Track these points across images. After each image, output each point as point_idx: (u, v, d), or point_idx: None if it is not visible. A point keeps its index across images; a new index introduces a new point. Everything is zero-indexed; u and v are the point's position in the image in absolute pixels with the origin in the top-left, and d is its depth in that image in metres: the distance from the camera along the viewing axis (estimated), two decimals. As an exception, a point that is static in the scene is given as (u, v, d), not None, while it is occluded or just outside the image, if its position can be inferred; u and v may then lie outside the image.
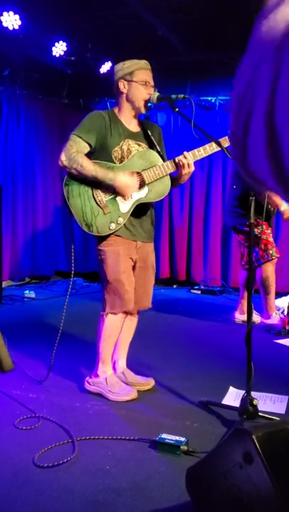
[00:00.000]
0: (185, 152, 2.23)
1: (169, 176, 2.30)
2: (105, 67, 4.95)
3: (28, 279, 5.51)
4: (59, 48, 4.49)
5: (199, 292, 5.10)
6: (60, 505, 1.50)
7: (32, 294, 4.69)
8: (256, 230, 3.40)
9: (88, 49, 4.68)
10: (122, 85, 2.27)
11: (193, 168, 2.24)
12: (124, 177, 2.19)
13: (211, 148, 2.21)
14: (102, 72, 4.94)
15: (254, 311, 3.52)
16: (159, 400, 2.31)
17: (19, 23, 3.89)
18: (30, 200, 5.41)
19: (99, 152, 2.23)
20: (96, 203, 2.21)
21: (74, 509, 1.49)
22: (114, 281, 2.26)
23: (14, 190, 5.21)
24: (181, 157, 2.22)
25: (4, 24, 3.89)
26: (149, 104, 2.33)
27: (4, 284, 4.88)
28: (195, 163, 2.27)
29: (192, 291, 5.15)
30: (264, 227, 3.50)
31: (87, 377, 2.38)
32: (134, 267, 2.36)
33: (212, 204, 5.33)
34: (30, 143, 5.35)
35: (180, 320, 3.98)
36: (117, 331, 2.36)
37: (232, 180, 3.77)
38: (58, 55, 4.54)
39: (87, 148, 2.22)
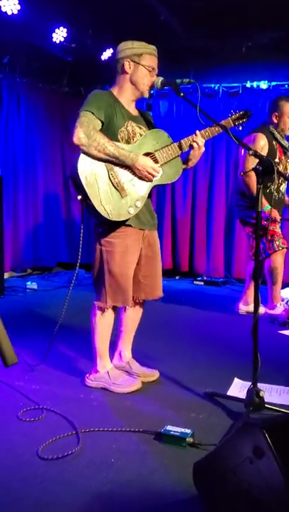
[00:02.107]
0: (197, 131, 2.20)
1: (180, 158, 2.22)
2: (106, 54, 4.85)
3: (30, 270, 5.48)
4: (59, 35, 4.40)
5: (202, 283, 5.06)
6: (64, 497, 1.49)
7: (34, 285, 4.67)
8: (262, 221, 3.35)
9: (89, 35, 4.59)
10: (128, 65, 2.15)
11: (204, 148, 2.21)
12: (148, 160, 2.10)
13: (217, 128, 2.21)
14: (103, 59, 4.85)
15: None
16: (164, 391, 2.28)
17: (18, 7, 3.80)
18: (32, 190, 5.35)
19: (105, 132, 2.08)
20: (113, 185, 2.07)
21: (78, 502, 1.47)
22: (120, 274, 2.17)
23: (15, 180, 5.16)
24: (193, 136, 2.19)
25: (3, 9, 3.80)
26: (152, 92, 2.28)
27: (6, 275, 4.85)
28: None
29: (195, 282, 5.12)
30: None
31: (87, 375, 2.34)
32: (139, 259, 2.28)
33: (215, 194, 5.27)
34: (31, 132, 5.28)
35: (183, 311, 3.95)
36: (111, 325, 2.30)
37: (236, 169, 3.72)
38: (58, 42, 4.45)
39: (100, 126, 2.08)
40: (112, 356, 2.42)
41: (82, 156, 2.03)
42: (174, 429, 1.81)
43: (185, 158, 2.28)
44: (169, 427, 1.83)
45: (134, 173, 2.11)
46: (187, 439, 1.76)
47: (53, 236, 5.58)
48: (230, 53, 4.81)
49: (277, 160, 3.46)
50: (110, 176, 2.07)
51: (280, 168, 3.50)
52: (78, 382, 2.37)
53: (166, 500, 1.48)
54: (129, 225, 2.16)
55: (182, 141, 2.20)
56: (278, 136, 3.46)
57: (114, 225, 2.13)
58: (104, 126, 2.10)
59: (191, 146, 2.20)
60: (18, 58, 4.82)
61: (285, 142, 3.51)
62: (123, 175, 2.10)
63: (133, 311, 2.42)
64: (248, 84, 5.03)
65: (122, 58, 2.18)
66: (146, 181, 2.14)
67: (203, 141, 2.21)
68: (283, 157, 3.53)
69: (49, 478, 1.58)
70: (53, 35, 4.40)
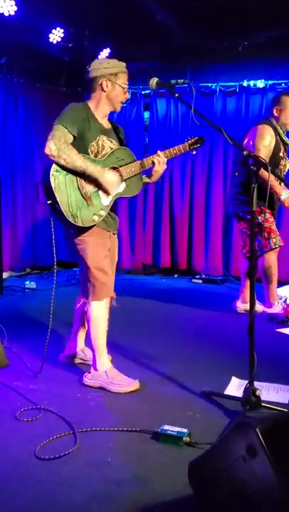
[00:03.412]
0: (159, 151, 2.44)
1: (141, 175, 2.44)
2: (104, 54, 4.85)
3: (29, 269, 5.49)
4: (56, 35, 4.41)
5: (200, 281, 5.08)
6: (62, 497, 1.50)
7: (33, 285, 4.67)
8: (260, 218, 3.35)
9: (86, 35, 4.59)
10: (106, 84, 2.32)
11: (165, 166, 2.43)
12: (112, 175, 2.30)
13: (175, 151, 2.44)
14: (100, 59, 4.85)
15: (256, 300, 3.50)
16: (161, 390, 2.29)
17: (15, 8, 3.81)
18: (30, 190, 5.35)
19: (76, 145, 2.25)
20: (81, 194, 2.25)
21: (75, 501, 1.48)
22: (96, 269, 2.31)
23: (13, 180, 5.16)
24: (155, 156, 2.42)
25: (0, 10, 3.80)
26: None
27: (5, 274, 4.86)
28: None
29: (193, 280, 5.13)
30: (267, 215, 3.45)
31: (86, 373, 2.37)
32: None
33: (213, 192, 5.28)
34: (29, 132, 5.28)
35: (181, 309, 3.96)
36: (105, 318, 2.38)
37: (234, 168, 3.72)
38: (55, 42, 4.45)
39: (71, 140, 2.24)
40: (65, 347, 2.59)
41: (54, 165, 2.20)
42: (170, 429, 1.82)
43: (149, 173, 2.49)
44: (166, 427, 1.84)
45: (100, 185, 2.28)
46: (184, 439, 1.77)
47: (50, 235, 5.58)
48: (227, 52, 4.81)
49: (281, 154, 3.47)
50: (79, 186, 2.25)
51: (283, 162, 3.51)
52: (75, 382, 2.38)
53: (163, 499, 1.49)
54: (98, 226, 2.33)
55: (144, 159, 2.41)
56: (280, 131, 3.47)
57: (84, 227, 2.29)
58: (77, 140, 2.25)
59: (153, 164, 2.42)
60: (15, 59, 4.83)
61: (286, 138, 3.52)
62: (90, 186, 2.27)
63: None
64: (245, 83, 5.04)
65: (98, 77, 2.33)
66: (109, 194, 2.31)
67: (165, 159, 2.42)
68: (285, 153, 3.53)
69: (46, 477, 1.59)
70: (50, 35, 4.40)
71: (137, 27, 4.37)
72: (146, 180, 2.50)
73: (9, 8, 3.82)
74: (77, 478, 1.59)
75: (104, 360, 2.34)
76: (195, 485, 1.33)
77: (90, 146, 2.29)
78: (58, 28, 4.39)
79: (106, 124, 2.40)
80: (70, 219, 2.21)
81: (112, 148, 2.35)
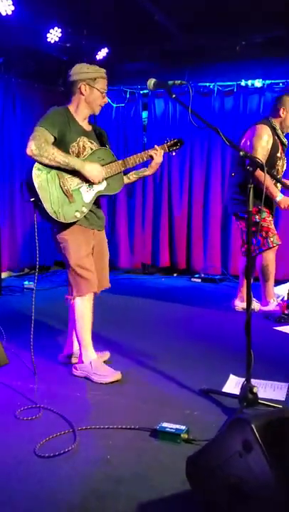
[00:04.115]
0: (156, 145, 2.57)
1: (122, 174, 2.53)
2: (101, 54, 4.86)
3: (28, 269, 5.50)
4: (54, 35, 4.41)
5: (199, 280, 5.09)
6: (61, 495, 1.51)
7: (31, 285, 4.68)
8: (257, 217, 3.37)
9: (83, 35, 4.60)
10: (84, 88, 2.41)
11: (162, 158, 2.55)
12: (94, 165, 2.37)
13: (163, 149, 2.57)
14: (98, 58, 4.86)
15: (253, 299, 3.52)
16: (159, 388, 2.31)
17: (12, 8, 3.81)
18: (28, 190, 5.36)
19: (57, 147, 2.31)
20: (63, 191, 2.32)
21: (75, 499, 1.49)
22: (78, 266, 2.39)
23: (11, 180, 5.16)
24: (152, 150, 2.55)
25: (-3, 10, 3.81)
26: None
27: (3, 275, 4.87)
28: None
29: (192, 279, 5.14)
30: (265, 214, 3.47)
31: (75, 364, 2.49)
32: (93, 254, 2.49)
33: (211, 192, 5.29)
34: (27, 132, 5.15)
35: (180, 308, 3.98)
36: (89, 312, 2.46)
37: (231, 168, 3.73)
38: (52, 42, 4.45)
39: (51, 140, 2.32)
40: (64, 346, 2.64)
41: (36, 164, 2.27)
42: (169, 426, 1.84)
43: (147, 166, 2.60)
44: (164, 424, 1.85)
45: (82, 182, 2.37)
46: (182, 436, 1.79)
47: (50, 235, 5.58)
48: (224, 52, 4.82)
49: (279, 155, 3.48)
50: (61, 183, 2.33)
51: (280, 163, 3.52)
52: (74, 381, 2.40)
53: (162, 495, 1.50)
54: (79, 225, 2.40)
55: (122, 160, 2.50)
56: (279, 132, 3.48)
57: (66, 224, 2.36)
58: (58, 141, 2.33)
59: (150, 157, 2.55)
60: (13, 59, 4.83)
61: (284, 138, 3.53)
62: (72, 183, 2.36)
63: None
64: (243, 83, 5.05)
65: (78, 81, 2.42)
66: (92, 186, 2.40)
67: (162, 151, 2.56)
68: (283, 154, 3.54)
69: (46, 475, 1.61)
70: (48, 35, 4.40)
71: (134, 27, 4.38)
72: (146, 172, 2.60)
73: (6, 7, 3.81)
74: (77, 475, 1.61)
75: (90, 353, 2.44)
76: (193, 481, 1.35)
77: (71, 147, 2.37)
78: (56, 28, 4.39)
79: (86, 126, 2.50)
80: (53, 215, 2.28)
81: (92, 149, 2.44)
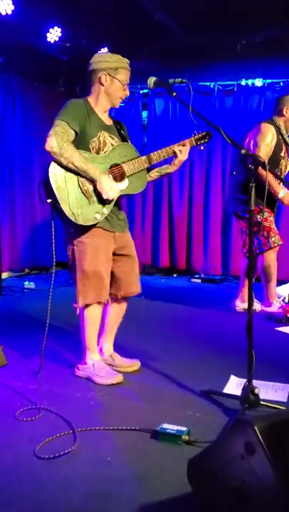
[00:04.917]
0: (182, 140, 2.37)
1: (146, 171, 2.36)
2: (89, 61, 4.85)
3: (28, 270, 5.49)
4: (54, 34, 4.40)
5: (200, 281, 5.08)
6: (61, 496, 1.50)
7: (32, 285, 4.68)
8: (259, 217, 3.36)
9: (84, 35, 4.59)
10: (104, 78, 2.26)
11: (187, 155, 2.35)
12: (109, 182, 2.21)
13: (190, 142, 2.37)
14: (87, 65, 4.85)
15: (255, 299, 3.50)
16: (160, 389, 2.30)
17: (12, 7, 3.81)
18: (29, 190, 5.35)
19: (77, 141, 2.20)
20: (82, 192, 2.19)
21: (75, 500, 1.48)
22: (92, 273, 2.27)
23: (12, 180, 5.16)
24: (176, 145, 2.35)
25: (-3, 10, 3.80)
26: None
27: (4, 275, 4.86)
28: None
29: (192, 280, 5.13)
30: (266, 213, 3.46)
31: (77, 365, 2.44)
32: (115, 258, 2.37)
33: (212, 192, 5.28)
34: (27, 132, 5.27)
35: (180, 309, 3.97)
36: (98, 320, 2.39)
37: (232, 167, 3.73)
38: (52, 41, 4.45)
39: (73, 137, 2.19)
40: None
41: (53, 163, 2.15)
42: (169, 427, 1.82)
43: (170, 162, 2.41)
44: (165, 425, 1.84)
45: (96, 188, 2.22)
46: (183, 437, 1.78)
47: (51, 235, 5.57)
48: (225, 51, 4.81)
49: (282, 154, 3.47)
50: (80, 183, 2.19)
51: (283, 162, 3.51)
52: (75, 382, 2.38)
53: (163, 497, 1.49)
54: (99, 227, 2.26)
55: (145, 156, 2.33)
56: (283, 131, 3.47)
57: (85, 226, 2.22)
58: (77, 136, 2.20)
59: (174, 154, 2.35)
60: (13, 58, 4.82)
61: (288, 138, 3.51)
62: (91, 182, 2.20)
63: (116, 307, 2.50)
64: (243, 82, 5.04)
65: (98, 70, 2.27)
66: (105, 197, 2.22)
67: (188, 147, 2.36)
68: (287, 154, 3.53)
69: (46, 477, 1.59)
70: (48, 34, 4.40)
71: (134, 27, 4.37)
72: (168, 170, 2.42)
73: (6, 7, 3.81)
74: (77, 477, 1.59)
75: (93, 355, 2.41)
76: (194, 483, 1.33)
77: (91, 142, 2.23)
78: (56, 28, 4.39)
79: (107, 119, 2.35)
80: (71, 217, 2.15)
81: (113, 145, 2.30)
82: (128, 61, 2.32)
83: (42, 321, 3.46)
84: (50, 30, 4.39)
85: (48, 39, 4.42)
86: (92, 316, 2.36)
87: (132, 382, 2.37)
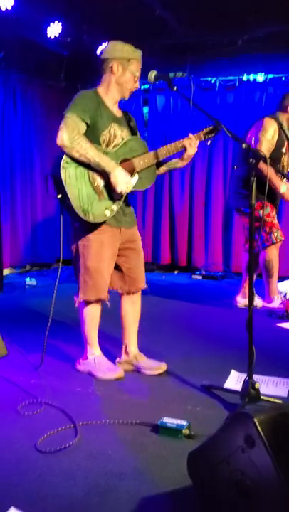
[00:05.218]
0: (190, 134, 2.30)
1: (155, 167, 2.32)
2: (102, 49, 4.83)
3: (29, 266, 5.50)
4: (54, 29, 4.38)
5: (201, 278, 5.08)
6: (62, 490, 1.50)
7: (33, 282, 4.68)
8: (261, 212, 3.35)
9: (84, 30, 4.57)
10: (116, 67, 2.22)
11: (196, 149, 2.29)
12: (123, 175, 2.16)
13: (198, 137, 2.30)
14: (99, 53, 4.83)
15: (256, 295, 3.50)
16: (161, 384, 2.30)
17: (12, 2, 3.79)
18: (30, 187, 5.35)
19: (87, 134, 2.16)
20: (92, 188, 2.16)
21: (76, 494, 1.49)
22: (94, 269, 2.25)
23: (12, 177, 5.15)
24: (186, 139, 2.28)
25: (-3, 5, 3.79)
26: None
27: (5, 271, 4.87)
28: (198, 144, 2.33)
29: (193, 276, 5.13)
30: (269, 209, 3.45)
31: (79, 359, 2.45)
32: (120, 253, 2.36)
33: (213, 188, 5.27)
34: (28, 128, 5.27)
35: (181, 305, 3.97)
36: (97, 315, 2.38)
37: (234, 162, 3.72)
38: (53, 37, 4.43)
39: (84, 129, 2.15)
40: (119, 352, 2.50)
41: (65, 157, 2.11)
42: (170, 421, 1.83)
43: (180, 157, 2.37)
44: (166, 419, 1.84)
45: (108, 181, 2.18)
46: (183, 431, 1.78)
47: (52, 232, 5.58)
48: (226, 46, 4.79)
49: (284, 150, 3.46)
50: (90, 179, 2.15)
51: (285, 158, 3.50)
52: (76, 376, 2.39)
53: (163, 490, 1.50)
54: (107, 223, 2.23)
55: (158, 150, 2.29)
56: (286, 127, 3.46)
57: (92, 223, 2.19)
58: (88, 128, 2.16)
59: (184, 148, 2.29)
60: (13, 54, 4.81)
61: None
62: (102, 179, 2.17)
63: (130, 304, 2.47)
64: (245, 77, 5.02)
65: (110, 59, 2.23)
66: (118, 190, 2.18)
67: (197, 141, 2.29)
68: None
69: (47, 470, 1.60)
70: (48, 29, 4.38)
71: (136, 21, 4.35)
72: (177, 164, 2.38)
73: (6, 2, 3.80)
74: (78, 470, 1.60)
75: (94, 349, 2.41)
76: (194, 476, 1.34)
77: (102, 135, 2.19)
78: (56, 22, 4.37)
79: (117, 111, 2.31)
80: (81, 214, 2.11)
81: (123, 138, 2.26)
82: (141, 53, 2.27)
83: (43, 317, 3.48)
84: (51, 25, 4.37)
85: (48, 34, 4.40)
86: (91, 312, 2.37)
87: (132, 377, 2.38)
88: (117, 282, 2.40)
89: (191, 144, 2.27)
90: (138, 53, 2.26)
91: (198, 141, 2.30)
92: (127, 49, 2.23)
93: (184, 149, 2.30)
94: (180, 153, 2.35)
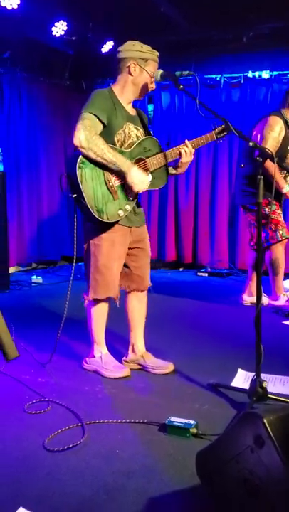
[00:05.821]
0: (186, 140, 2.28)
1: (166, 167, 2.32)
2: (107, 47, 4.83)
3: (35, 264, 5.52)
4: (59, 28, 4.38)
5: (206, 275, 5.07)
6: (70, 488, 1.51)
7: (39, 279, 4.70)
8: (267, 209, 3.33)
9: (89, 28, 4.57)
10: (134, 67, 2.22)
11: (192, 157, 2.29)
12: (140, 175, 2.16)
13: (203, 140, 2.28)
14: (104, 52, 4.82)
15: (262, 293, 3.49)
16: (168, 382, 2.30)
17: (18, 1, 3.79)
18: (35, 185, 5.36)
19: (102, 133, 2.16)
20: (107, 188, 2.16)
21: (84, 493, 1.49)
22: (105, 267, 2.26)
23: (18, 175, 5.17)
24: (182, 146, 2.27)
25: (2, 4, 3.79)
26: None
27: (11, 269, 4.89)
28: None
29: (199, 273, 5.12)
30: (274, 206, 3.43)
31: (86, 357, 2.46)
32: (129, 252, 2.36)
33: (218, 185, 5.26)
34: (33, 127, 5.27)
35: (187, 303, 3.96)
36: (105, 313, 2.39)
37: (240, 159, 3.70)
38: (58, 35, 4.43)
39: (101, 129, 2.14)
40: (126, 350, 2.51)
41: (81, 157, 2.10)
42: (177, 420, 1.83)
43: (175, 165, 2.36)
44: (173, 418, 1.85)
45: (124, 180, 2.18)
46: (191, 430, 1.78)
47: (58, 230, 5.60)
48: (231, 43, 4.77)
49: None
50: (105, 179, 2.16)
51: None
52: (83, 375, 2.40)
53: (171, 489, 1.50)
54: (119, 223, 2.24)
55: (168, 151, 2.28)
56: None
57: (105, 222, 2.19)
58: (104, 128, 2.16)
59: (179, 155, 2.27)
60: (18, 53, 4.81)
61: None
62: (117, 179, 2.18)
63: (137, 302, 2.47)
64: (250, 74, 4.99)
65: (128, 58, 2.22)
66: (136, 190, 2.19)
67: (192, 150, 2.28)
68: None
69: (55, 469, 1.61)
70: (53, 28, 4.38)
71: (140, 19, 4.33)
72: (173, 171, 2.37)
73: (12, 1, 3.80)
74: (86, 469, 1.61)
75: (101, 348, 2.42)
76: (203, 476, 1.34)
77: (117, 135, 2.19)
78: (62, 21, 4.37)
79: (131, 110, 2.32)
80: (95, 214, 2.12)
81: (138, 137, 2.26)
82: (158, 54, 2.26)
83: (49, 315, 3.50)
84: (56, 24, 4.37)
85: (54, 33, 4.40)
86: (99, 310, 2.37)
87: (139, 376, 2.38)
88: (123, 281, 2.41)
89: (187, 152, 2.26)
90: (155, 54, 2.26)
91: (193, 150, 2.28)
92: (144, 49, 2.23)
93: (179, 156, 2.28)
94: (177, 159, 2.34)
